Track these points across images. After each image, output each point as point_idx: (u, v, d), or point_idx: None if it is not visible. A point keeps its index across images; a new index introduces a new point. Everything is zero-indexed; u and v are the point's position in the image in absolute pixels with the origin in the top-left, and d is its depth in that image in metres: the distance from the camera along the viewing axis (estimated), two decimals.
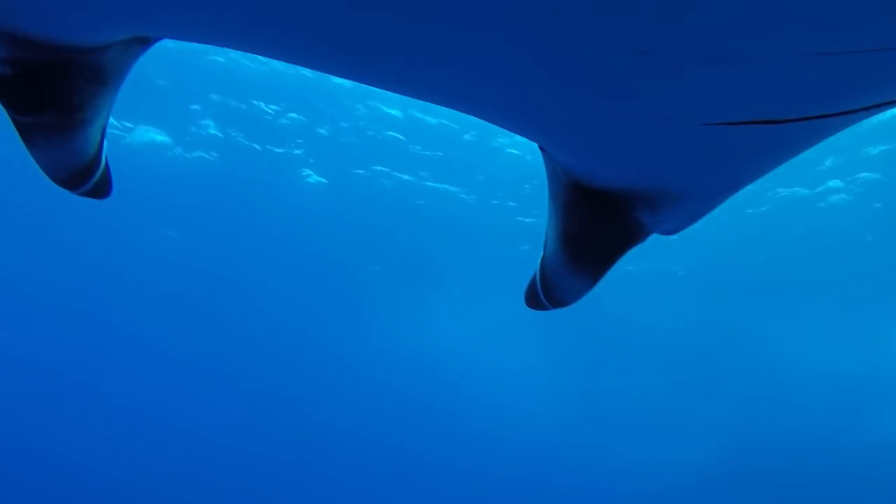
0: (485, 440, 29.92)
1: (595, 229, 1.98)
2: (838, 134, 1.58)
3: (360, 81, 1.71)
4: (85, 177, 2.33)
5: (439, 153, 18.33)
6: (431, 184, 19.10)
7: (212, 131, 18.17)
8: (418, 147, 18.16)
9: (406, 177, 18.93)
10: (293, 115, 17.64)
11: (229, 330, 24.98)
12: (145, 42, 2.02)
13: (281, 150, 18.80)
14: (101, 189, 2.45)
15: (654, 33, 1.18)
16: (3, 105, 2.03)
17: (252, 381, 27.54)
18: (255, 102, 17.28)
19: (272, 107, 17.46)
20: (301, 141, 18.42)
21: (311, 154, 19.02)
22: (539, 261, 2.31)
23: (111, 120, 3.05)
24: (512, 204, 19.83)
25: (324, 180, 19.55)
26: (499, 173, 18.86)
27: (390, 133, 17.75)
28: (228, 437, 29.58)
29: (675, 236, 2.20)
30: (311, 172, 19.31)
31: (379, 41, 1.40)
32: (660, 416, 27.86)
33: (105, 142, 2.38)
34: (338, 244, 21.50)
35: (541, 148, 1.98)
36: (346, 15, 1.33)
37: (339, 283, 23.11)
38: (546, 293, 2.28)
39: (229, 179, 19.49)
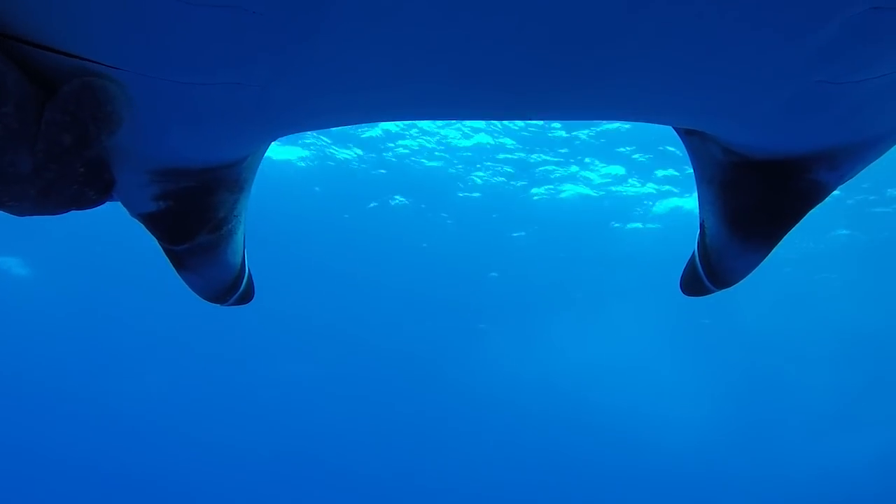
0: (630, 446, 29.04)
1: (767, 200, 1.98)
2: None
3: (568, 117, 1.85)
4: (235, 287, 2.32)
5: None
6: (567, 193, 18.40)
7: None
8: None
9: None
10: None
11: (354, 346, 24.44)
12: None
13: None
14: (248, 295, 2.44)
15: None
16: (160, 239, 2.02)
17: (380, 400, 27.19)
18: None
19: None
20: None
21: None
22: (696, 247, 2.31)
23: None
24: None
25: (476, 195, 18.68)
26: None
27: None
28: (344, 452, 29.46)
29: None
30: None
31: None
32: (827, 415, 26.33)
33: (245, 248, 2.35)
34: (460, 257, 20.55)
35: (687, 136, 2.08)
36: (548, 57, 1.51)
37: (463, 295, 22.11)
38: (712, 277, 2.27)
39: (352, 188, 18.20)
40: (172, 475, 30.33)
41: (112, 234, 17.73)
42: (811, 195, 1.96)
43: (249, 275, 2.41)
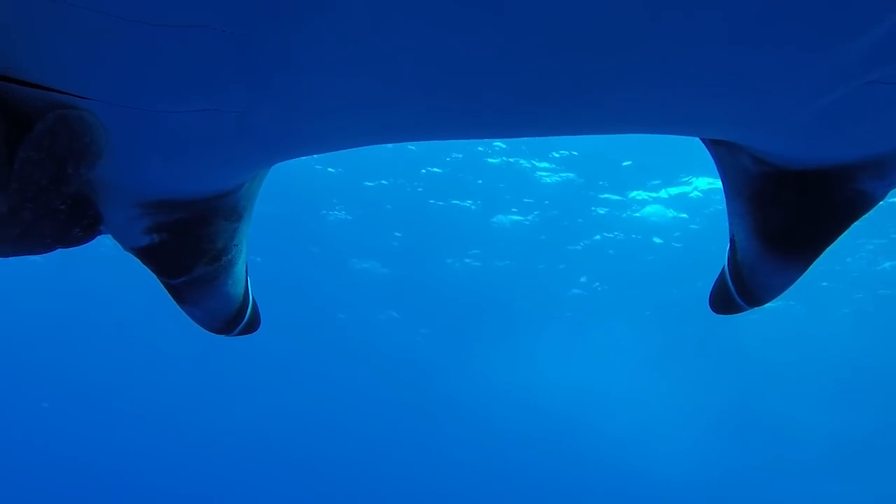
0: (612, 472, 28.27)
1: (804, 213, 1.85)
2: None
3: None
4: (239, 318, 2.24)
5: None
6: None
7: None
8: None
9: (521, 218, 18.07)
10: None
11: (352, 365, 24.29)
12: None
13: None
14: (253, 324, 2.36)
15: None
16: (156, 273, 1.95)
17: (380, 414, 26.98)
18: None
19: None
20: None
21: None
22: (727, 263, 2.20)
23: None
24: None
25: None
26: None
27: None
28: (336, 468, 29.46)
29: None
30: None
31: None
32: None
33: (248, 276, 2.27)
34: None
35: (714, 146, 1.94)
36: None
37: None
38: (744, 294, 2.15)
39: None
40: (170, 478, 30.33)
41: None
42: (855, 206, 1.82)
43: (254, 304, 2.34)
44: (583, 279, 19.10)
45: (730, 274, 2.19)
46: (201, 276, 1.97)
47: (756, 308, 2.19)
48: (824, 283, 17.47)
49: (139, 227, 1.83)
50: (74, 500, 30.51)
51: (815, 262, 2.00)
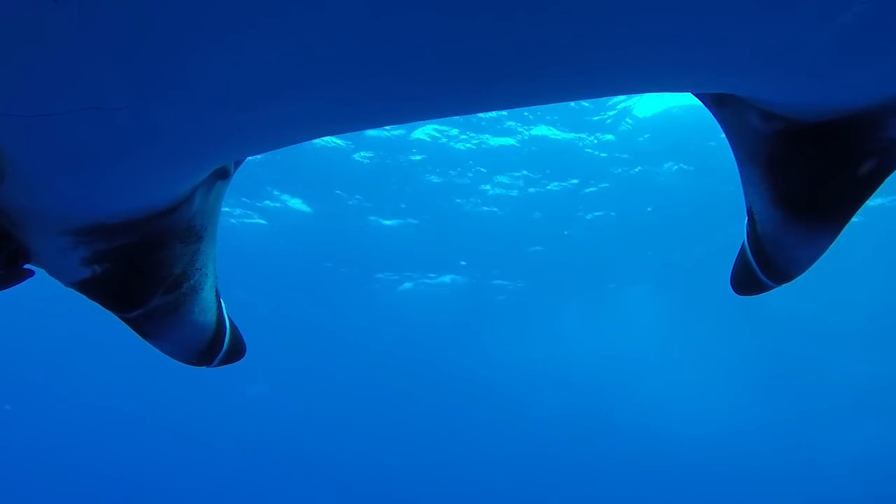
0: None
1: (828, 173, 1.61)
2: None
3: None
4: (216, 348, 2.08)
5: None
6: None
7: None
8: None
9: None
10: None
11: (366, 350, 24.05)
12: (225, 175, 1.79)
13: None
14: (236, 352, 2.18)
15: None
16: (108, 308, 1.79)
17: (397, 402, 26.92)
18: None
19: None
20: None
21: None
22: (746, 238, 2.00)
23: None
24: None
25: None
26: None
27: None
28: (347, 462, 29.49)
29: None
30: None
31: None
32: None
33: (222, 301, 2.08)
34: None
35: (716, 107, 1.74)
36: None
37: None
38: (768, 270, 1.95)
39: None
40: (172, 478, 30.39)
41: None
42: (886, 160, 1.56)
43: (234, 330, 2.14)
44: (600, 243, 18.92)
45: (751, 250, 1.99)
46: (161, 306, 1.81)
47: (783, 284, 1.99)
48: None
49: (75, 258, 1.66)
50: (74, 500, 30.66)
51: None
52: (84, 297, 1.80)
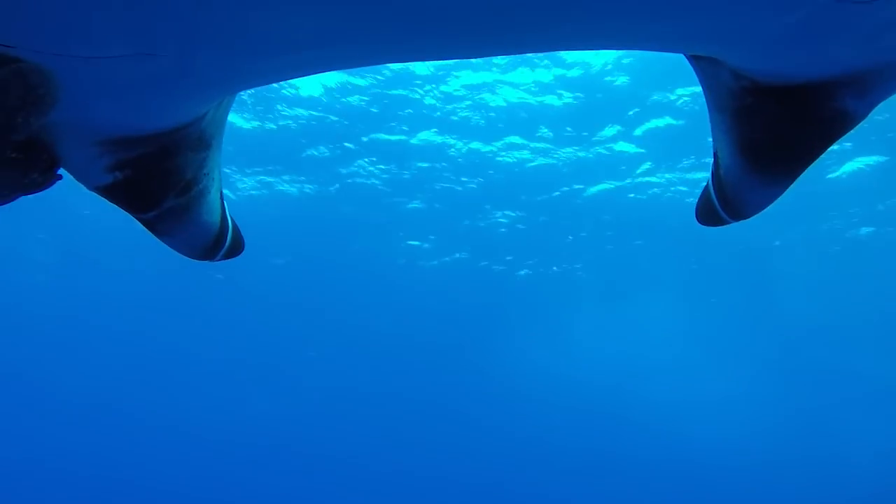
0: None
1: (785, 130, 1.85)
2: None
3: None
4: (219, 244, 2.27)
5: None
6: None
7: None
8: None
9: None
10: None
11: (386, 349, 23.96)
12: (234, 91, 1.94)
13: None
14: (237, 248, 2.39)
15: None
16: (126, 209, 1.96)
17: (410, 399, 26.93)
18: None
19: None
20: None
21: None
22: (710, 176, 2.22)
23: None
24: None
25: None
26: None
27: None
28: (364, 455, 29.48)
29: None
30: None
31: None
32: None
33: (224, 201, 2.28)
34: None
35: (695, 60, 1.93)
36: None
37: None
38: (727, 208, 2.18)
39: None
40: (182, 472, 30.54)
41: (103, 231, 16.84)
42: (836, 125, 1.81)
43: (234, 229, 2.34)
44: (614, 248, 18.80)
45: (714, 188, 2.22)
46: (173, 208, 1.98)
47: (739, 221, 2.23)
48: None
49: (101, 165, 1.84)
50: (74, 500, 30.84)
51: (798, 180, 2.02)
52: (106, 201, 1.99)
